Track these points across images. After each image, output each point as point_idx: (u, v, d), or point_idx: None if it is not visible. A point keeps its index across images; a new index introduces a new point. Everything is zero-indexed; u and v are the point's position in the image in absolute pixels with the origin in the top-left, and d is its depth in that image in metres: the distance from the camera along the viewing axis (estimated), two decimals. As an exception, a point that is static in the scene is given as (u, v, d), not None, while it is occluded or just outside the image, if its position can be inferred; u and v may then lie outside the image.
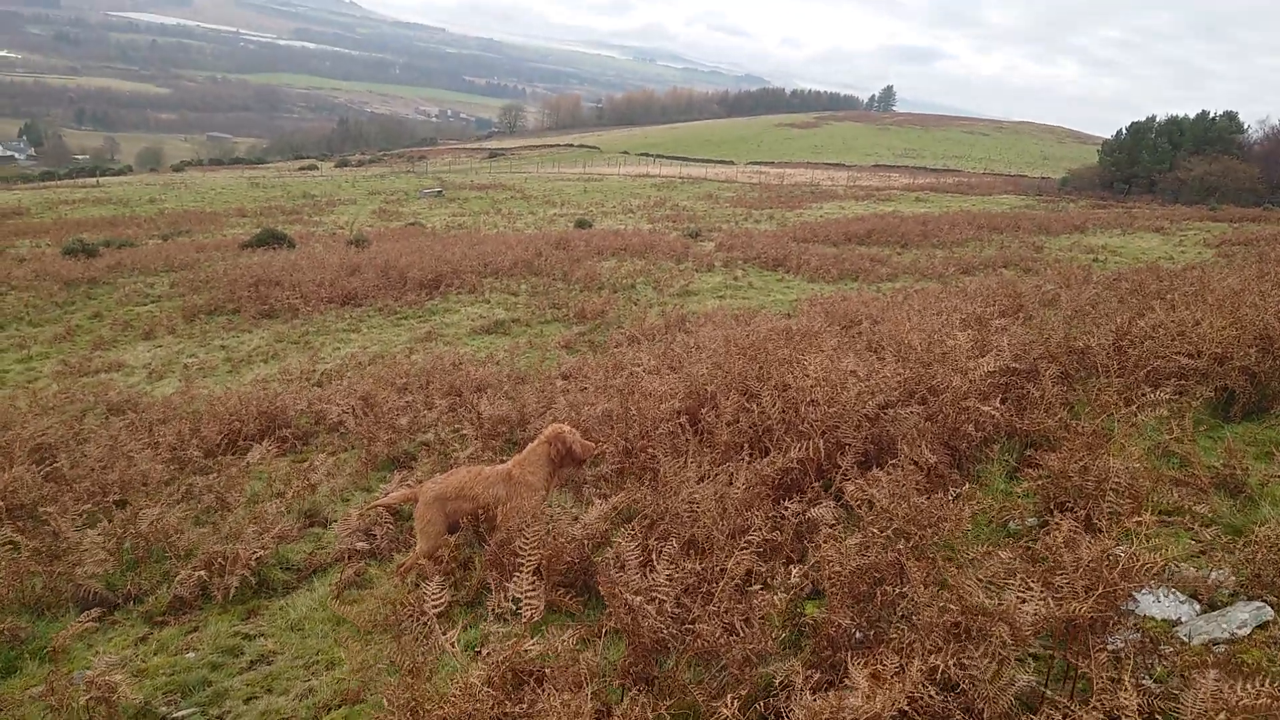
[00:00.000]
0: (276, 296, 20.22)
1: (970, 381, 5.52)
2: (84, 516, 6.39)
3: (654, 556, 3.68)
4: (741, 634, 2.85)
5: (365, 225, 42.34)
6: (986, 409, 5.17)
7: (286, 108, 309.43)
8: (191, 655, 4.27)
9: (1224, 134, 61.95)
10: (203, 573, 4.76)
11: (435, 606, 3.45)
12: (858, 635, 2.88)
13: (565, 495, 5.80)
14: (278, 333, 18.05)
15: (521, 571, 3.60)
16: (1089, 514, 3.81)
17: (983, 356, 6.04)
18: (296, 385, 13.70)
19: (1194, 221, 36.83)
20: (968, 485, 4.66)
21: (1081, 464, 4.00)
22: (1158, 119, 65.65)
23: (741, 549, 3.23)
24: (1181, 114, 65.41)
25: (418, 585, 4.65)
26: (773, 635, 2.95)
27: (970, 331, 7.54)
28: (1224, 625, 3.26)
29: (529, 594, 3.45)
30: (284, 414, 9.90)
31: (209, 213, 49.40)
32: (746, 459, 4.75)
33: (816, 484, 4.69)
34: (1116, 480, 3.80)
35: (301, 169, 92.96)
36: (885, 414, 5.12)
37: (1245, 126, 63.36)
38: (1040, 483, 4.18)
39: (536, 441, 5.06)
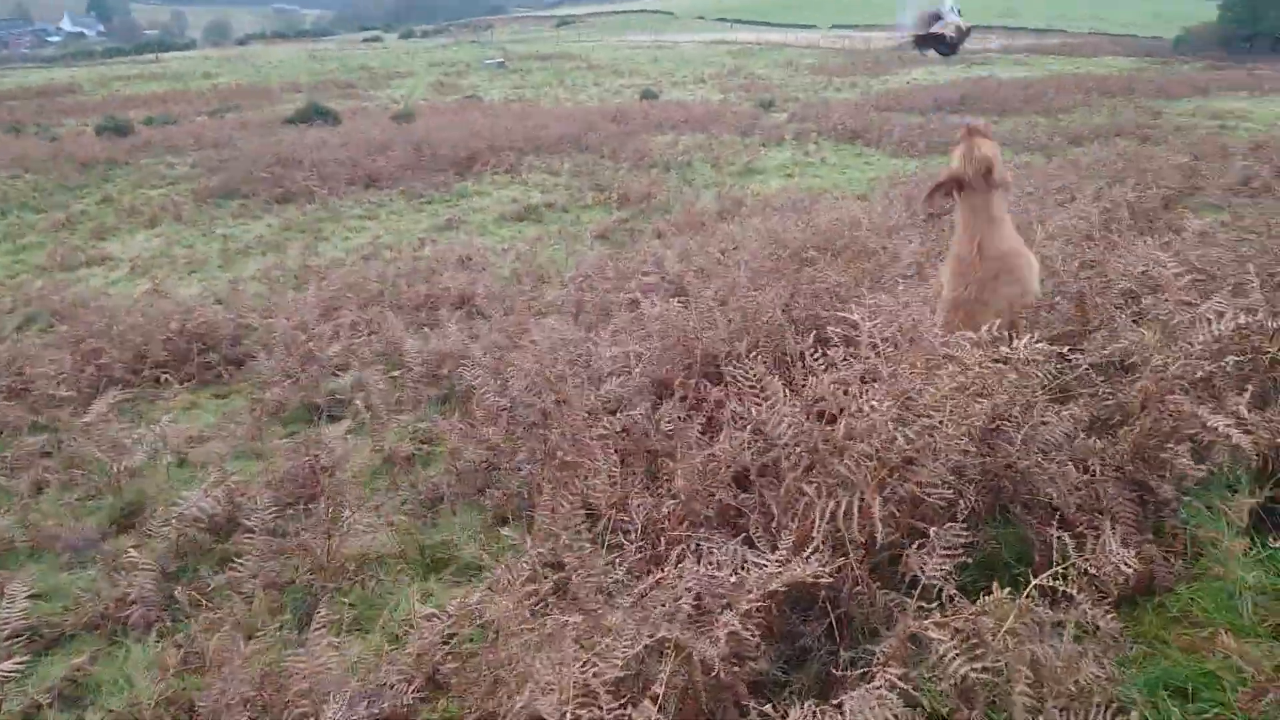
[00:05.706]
0: (294, 178, 18.12)
1: (1173, 359, 2.89)
2: None
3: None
4: None
5: (420, 99, 39.86)
6: (1213, 421, 2.55)
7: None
8: None
9: (1366, -16, 53.97)
10: None
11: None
12: None
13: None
14: (287, 220, 16.04)
15: None
16: None
17: (1206, 299, 3.35)
18: (280, 286, 11.67)
19: (1327, 85, 31.64)
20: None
21: None
22: (1290, -32, 57.66)
23: None
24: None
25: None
26: None
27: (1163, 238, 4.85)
28: None
29: None
30: (215, 333, 7.83)
31: (262, 88, 47.45)
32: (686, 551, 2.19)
33: (866, 600, 2.17)
34: None
35: (365, 41, 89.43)
36: (1010, 423, 2.58)
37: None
38: None
39: None
